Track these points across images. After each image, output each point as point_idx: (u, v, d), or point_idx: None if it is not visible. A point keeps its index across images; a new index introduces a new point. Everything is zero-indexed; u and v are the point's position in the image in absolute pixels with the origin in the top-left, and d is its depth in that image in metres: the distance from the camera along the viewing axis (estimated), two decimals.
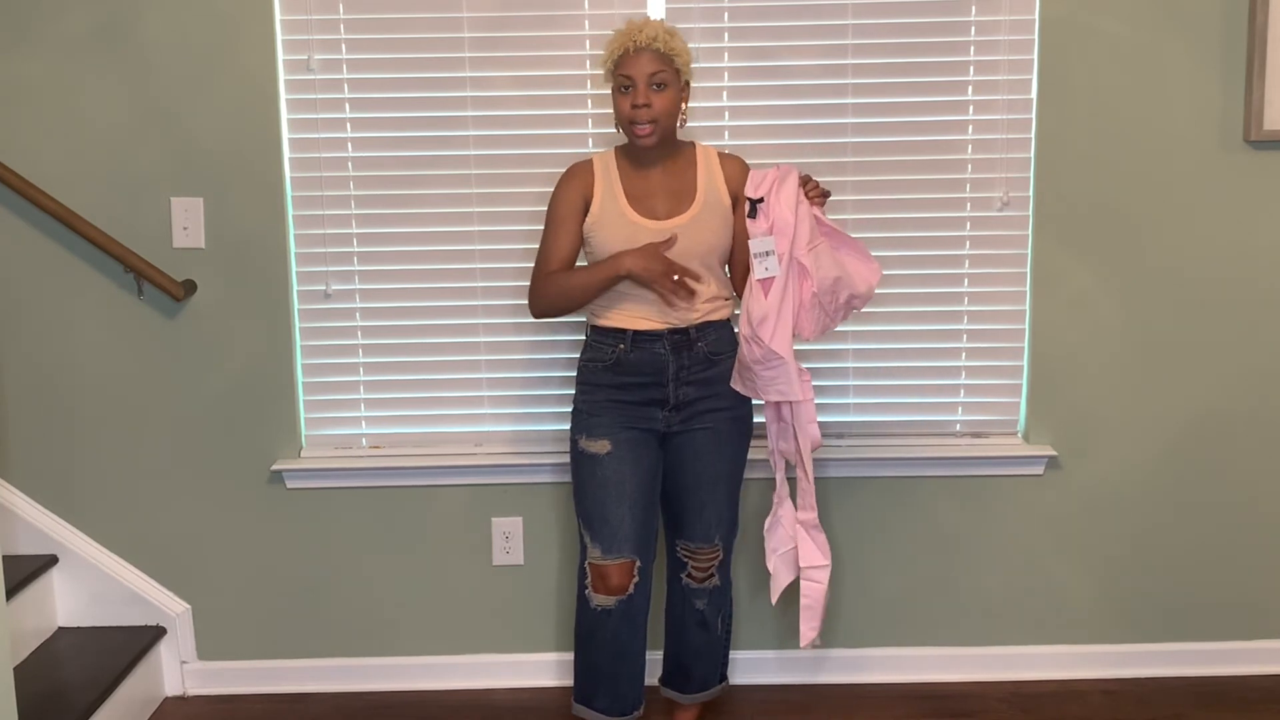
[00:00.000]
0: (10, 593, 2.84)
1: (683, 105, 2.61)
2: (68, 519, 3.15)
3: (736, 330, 2.62)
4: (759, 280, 2.52)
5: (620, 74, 2.55)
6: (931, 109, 3.05)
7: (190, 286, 3.05)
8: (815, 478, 3.12)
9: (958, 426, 3.18)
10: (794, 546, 2.73)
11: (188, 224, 3.05)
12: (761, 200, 2.53)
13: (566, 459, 2.77)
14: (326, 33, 3.03)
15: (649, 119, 2.54)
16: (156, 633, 3.14)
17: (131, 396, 3.11)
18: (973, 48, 3.03)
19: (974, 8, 3.02)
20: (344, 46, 3.03)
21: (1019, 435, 3.17)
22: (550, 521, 3.18)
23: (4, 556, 2.80)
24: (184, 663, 3.19)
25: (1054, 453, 3.12)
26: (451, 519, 3.18)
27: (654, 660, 2.92)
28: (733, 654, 3.07)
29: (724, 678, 2.98)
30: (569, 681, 2.98)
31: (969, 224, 3.09)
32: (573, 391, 2.76)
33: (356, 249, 3.11)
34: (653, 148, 2.60)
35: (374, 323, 3.13)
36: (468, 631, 3.22)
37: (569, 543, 3.16)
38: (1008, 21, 3.01)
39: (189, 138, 3.03)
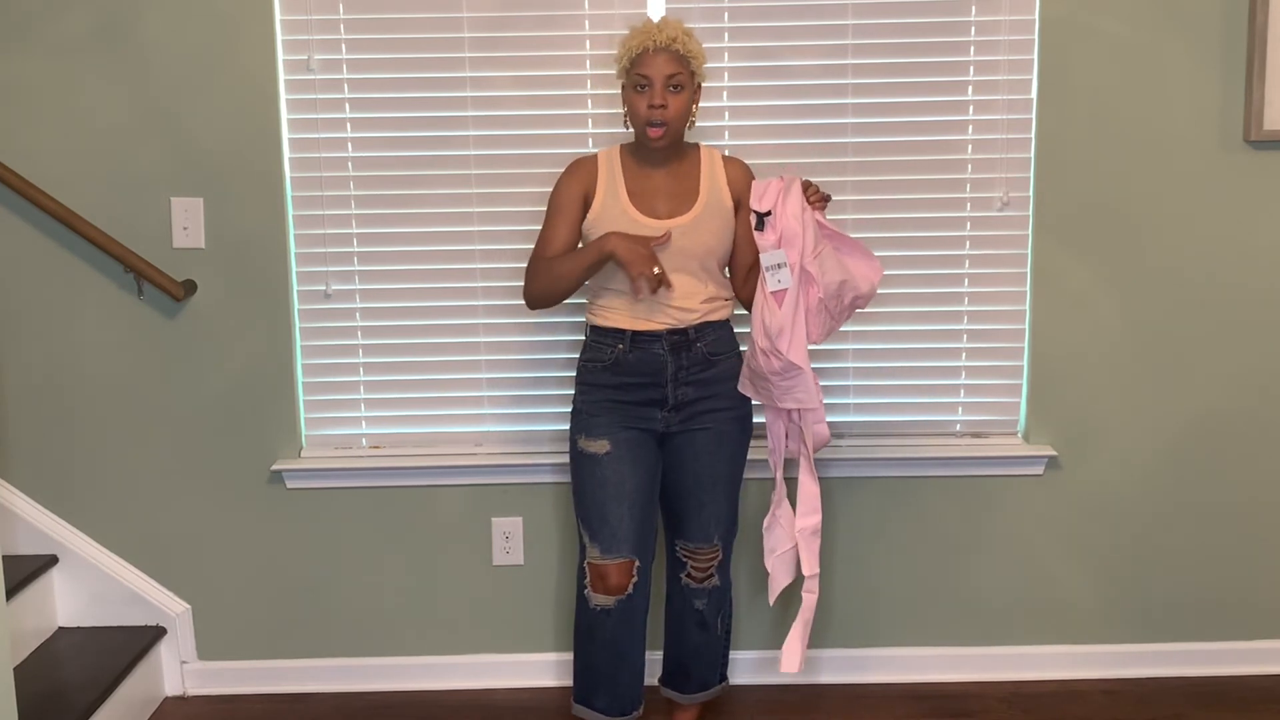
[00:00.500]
0: (10, 593, 2.84)
1: (694, 107, 2.61)
2: (68, 519, 3.15)
3: (743, 333, 2.62)
4: (772, 292, 2.52)
5: (637, 73, 2.54)
6: (931, 109, 3.05)
7: (190, 286, 3.05)
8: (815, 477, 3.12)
9: (958, 426, 3.18)
10: (792, 546, 2.73)
11: (188, 224, 3.05)
12: (769, 213, 2.52)
13: (566, 459, 2.77)
14: (326, 33, 3.03)
15: (664, 120, 2.54)
16: (156, 633, 3.14)
17: (132, 396, 3.11)
18: (973, 48, 3.03)
19: (974, 8, 3.02)
20: (344, 46, 3.03)
21: (1019, 435, 3.17)
22: (550, 521, 3.18)
23: (4, 556, 2.80)
24: (184, 663, 3.19)
25: (1054, 453, 3.12)
26: (451, 519, 3.18)
27: (653, 660, 2.92)
28: (733, 654, 3.07)
29: (724, 678, 2.98)
30: (569, 681, 2.98)
31: (969, 224, 3.09)
32: (572, 391, 2.76)
33: (356, 249, 3.11)
34: (666, 146, 2.60)
35: (374, 323, 3.13)
36: (468, 631, 3.22)
37: (569, 543, 3.17)
38: (1008, 21, 3.01)
39: (189, 138, 3.03)
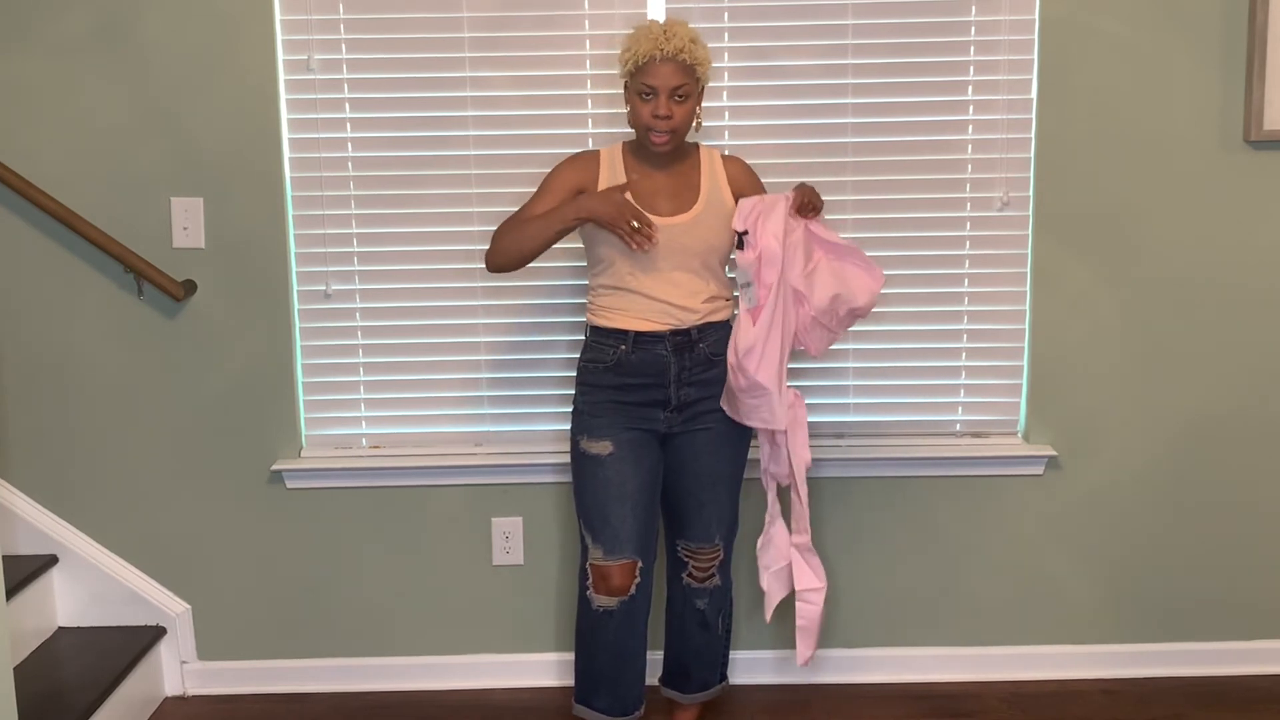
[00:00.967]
0: (10, 593, 2.84)
1: (698, 110, 2.61)
2: (68, 519, 3.15)
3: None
4: (748, 310, 2.52)
5: (643, 81, 2.53)
6: (931, 109, 3.04)
7: (190, 286, 3.05)
8: (815, 478, 3.12)
9: (958, 426, 3.18)
10: (787, 564, 2.73)
11: (188, 224, 3.05)
12: (747, 232, 2.52)
13: (566, 459, 2.77)
14: (326, 33, 3.03)
15: (668, 129, 2.54)
16: (156, 633, 3.14)
17: (132, 396, 3.11)
18: (973, 48, 3.03)
19: (974, 8, 3.02)
20: (344, 46, 3.03)
21: (1019, 435, 3.17)
22: (550, 521, 3.18)
23: (4, 556, 2.80)
24: (184, 663, 3.19)
25: (1054, 453, 3.12)
26: (451, 519, 3.18)
27: (654, 660, 2.92)
28: (733, 654, 3.07)
29: (724, 677, 2.98)
30: (569, 681, 2.98)
31: (969, 224, 3.09)
32: (572, 392, 2.76)
33: (356, 249, 3.11)
34: (670, 151, 2.61)
35: (374, 323, 3.13)
36: (468, 631, 3.22)
37: (569, 543, 3.17)
38: (1008, 21, 3.01)
39: (189, 138, 3.03)
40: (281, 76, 3.03)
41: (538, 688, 3.19)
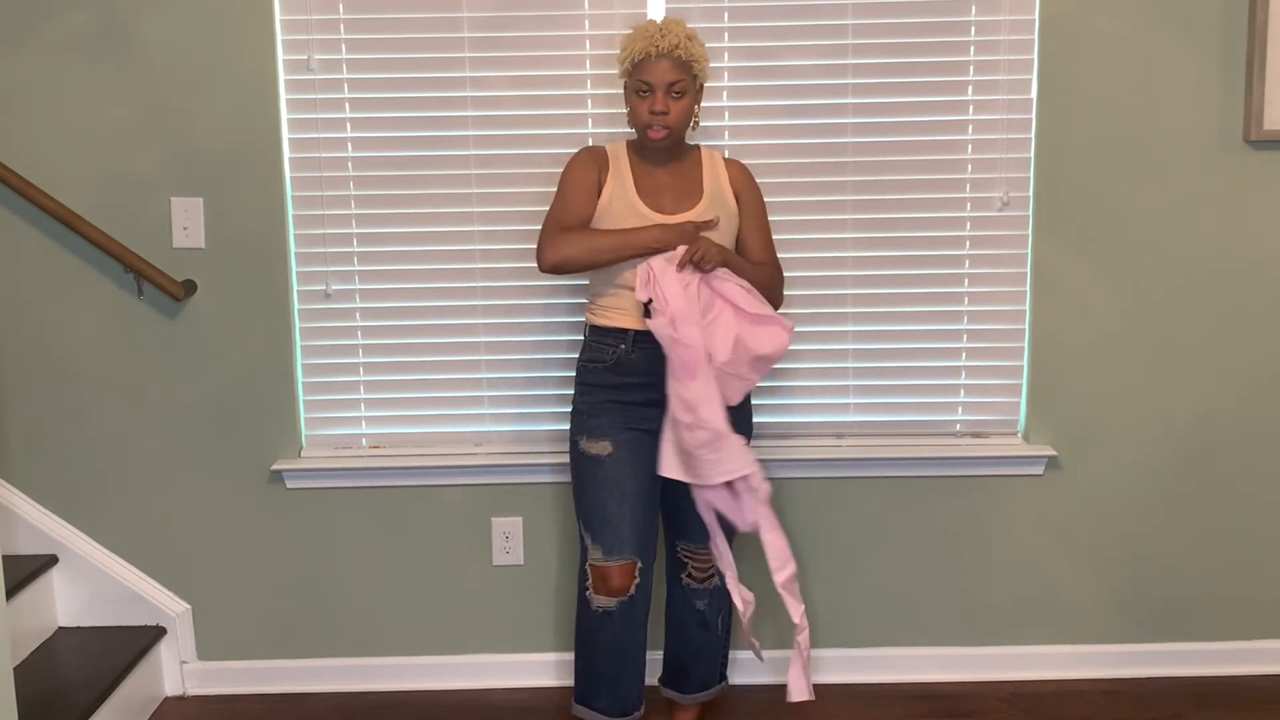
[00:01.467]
0: (10, 593, 2.84)
1: (696, 108, 2.61)
2: (68, 519, 3.15)
3: None
4: (683, 366, 2.48)
5: (639, 78, 2.55)
6: (931, 109, 3.04)
7: (190, 286, 3.05)
8: (815, 478, 3.13)
9: (958, 426, 3.18)
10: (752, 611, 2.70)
11: (188, 224, 3.05)
12: (650, 301, 2.50)
13: (566, 459, 2.77)
14: (326, 33, 3.03)
15: (665, 125, 2.55)
16: (156, 633, 3.14)
17: (132, 396, 3.11)
18: (973, 48, 3.03)
19: (974, 8, 3.02)
20: (344, 46, 3.03)
21: (1019, 435, 3.17)
22: (550, 521, 3.18)
23: (4, 556, 2.80)
24: (184, 663, 3.19)
25: (1054, 453, 3.12)
26: (451, 519, 3.18)
27: (654, 660, 2.93)
28: (733, 654, 3.07)
29: (724, 678, 2.98)
30: (569, 681, 2.99)
31: (969, 224, 3.09)
32: (572, 392, 2.76)
33: (356, 249, 3.11)
34: (669, 147, 2.61)
35: (374, 323, 3.13)
36: (468, 631, 3.22)
37: (569, 543, 3.17)
38: (1008, 21, 3.01)
39: (189, 138, 3.03)
40: (281, 76, 3.03)
41: (537, 688, 3.19)
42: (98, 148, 3.02)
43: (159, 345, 3.09)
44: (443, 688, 3.20)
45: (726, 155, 2.79)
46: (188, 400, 3.11)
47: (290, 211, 3.08)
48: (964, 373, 3.15)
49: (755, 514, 2.58)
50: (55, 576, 3.12)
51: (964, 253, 3.10)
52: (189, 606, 3.19)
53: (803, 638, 2.67)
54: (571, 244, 2.59)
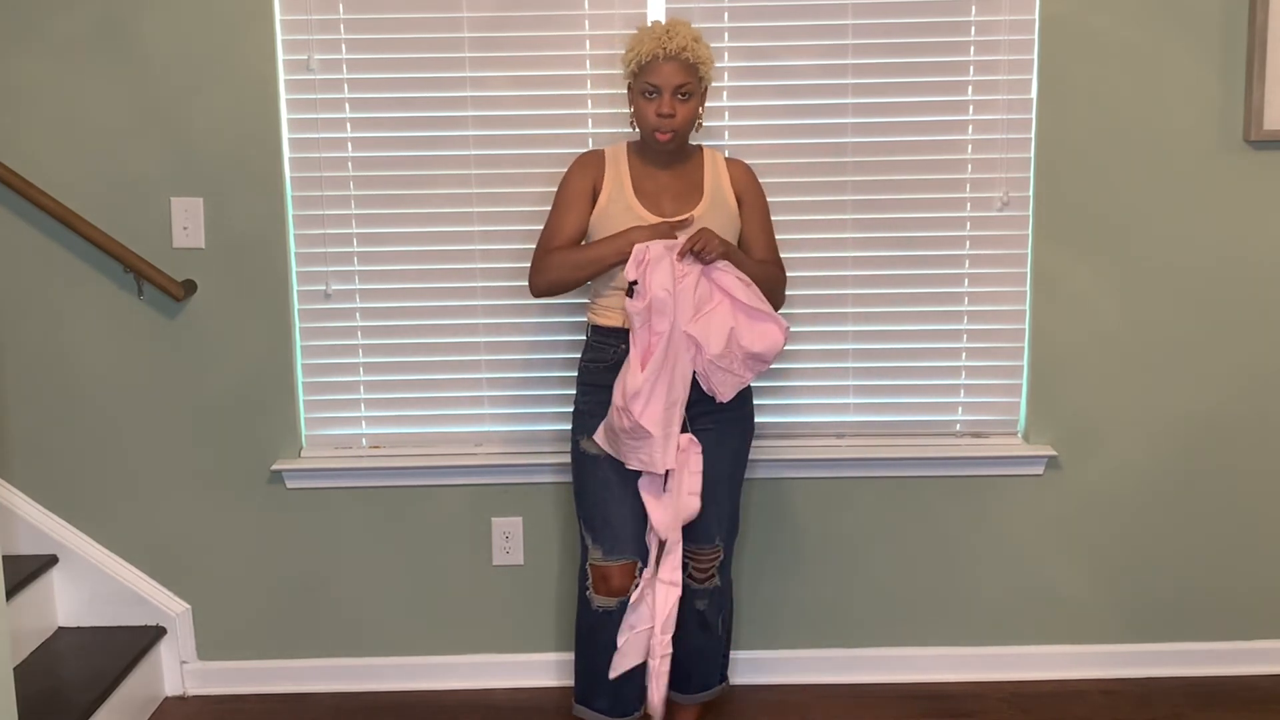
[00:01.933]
0: (10, 593, 2.84)
1: (700, 109, 2.61)
2: (68, 519, 3.15)
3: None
4: (638, 356, 2.50)
5: (646, 81, 2.54)
6: (931, 109, 3.04)
7: (190, 286, 3.05)
8: (815, 478, 3.13)
9: (958, 426, 3.18)
10: (649, 628, 2.66)
11: (188, 224, 3.05)
12: (636, 282, 2.51)
13: (566, 459, 2.77)
14: (326, 33, 3.03)
15: (672, 128, 2.55)
16: (156, 633, 3.14)
17: (132, 396, 3.11)
18: (973, 48, 3.03)
19: (974, 8, 3.02)
20: (344, 46, 3.03)
21: (1019, 435, 3.17)
22: (550, 521, 3.18)
23: (4, 556, 2.80)
24: (184, 663, 3.19)
25: (1054, 453, 3.12)
26: (451, 519, 3.18)
27: None
28: (733, 654, 3.07)
29: (724, 678, 2.98)
30: (569, 681, 2.98)
31: (969, 224, 3.09)
32: (572, 392, 2.76)
33: (356, 249, 3.11)
34: (675, 149, 2.61)
35: (374, 323, 3.13)
36: (468, 631, 3.21)
37: (569, 543, 3.16)
38: (1008, 21, 3.01)
39: (189, 138, 3.02)
40: (281, 76, 3.03)
41: (538, 688, 3.19)
42: (98, 148, 3.02)
43: (159, 345, 3.09)
44: (443, 688, 3.20)
45: (727, 155, 2.79)
46: (188, 400, 3.11)
47: (290, 211, 3.08)
48: (964, 373, 3.15)
49: (669, 518, 2.58)
50: (55, 576, 3.12)
51: (964, 253, 3.10)
52: (189, 606, 3.19)
53: (664, 665, 2.66)
54: (554, 267, 2.63)
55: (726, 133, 3.06)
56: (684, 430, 2.57)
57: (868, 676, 3.20)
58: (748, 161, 2.79)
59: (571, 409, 2.74)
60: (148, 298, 3.06)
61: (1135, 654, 3.20)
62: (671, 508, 2.60)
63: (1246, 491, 3.16)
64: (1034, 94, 3.03)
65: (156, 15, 2.98)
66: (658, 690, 2.69)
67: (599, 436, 2.61)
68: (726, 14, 3.02)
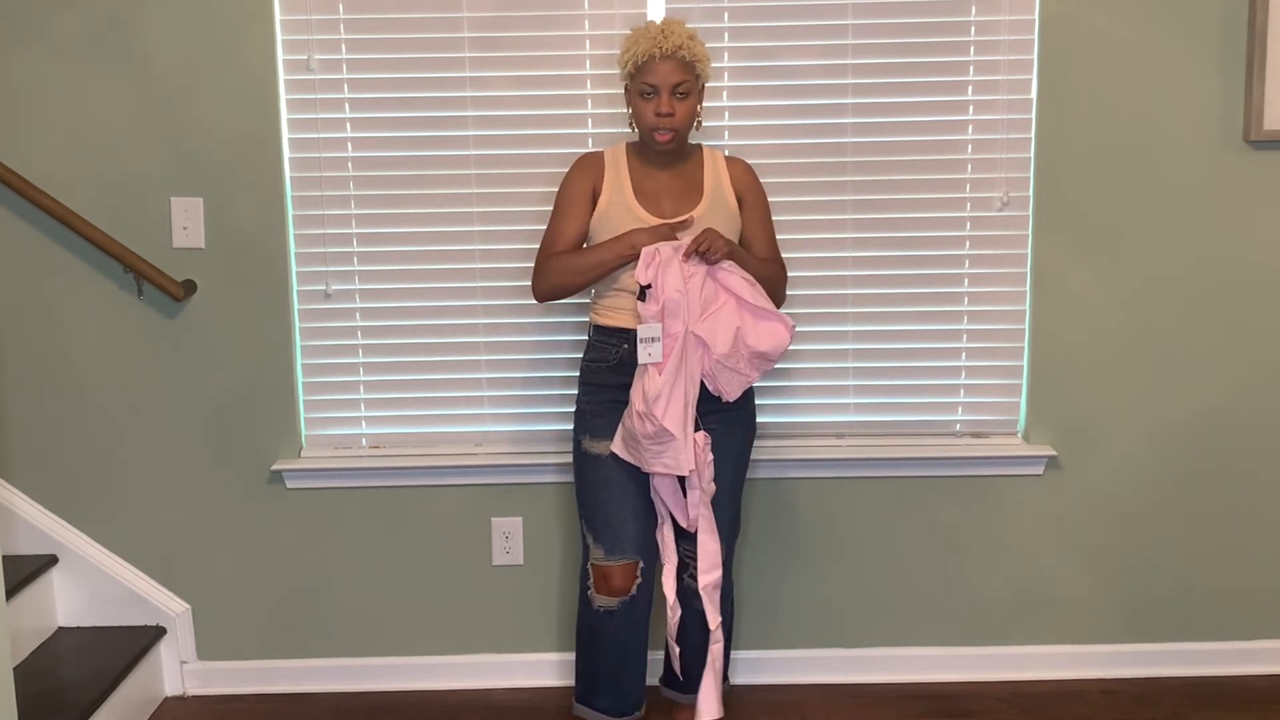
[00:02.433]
0: (10, 593, 2.84)
1: (699, 108, 2.61)
2: (68, 519, 3.14)
3: None
4: (654, 363, 2.50)
5: (644, 80, 2.54)
6: (931, 109, 3.04)
7: (190, 286, 3.05)
8: (815, 478, 3.13)
9: (958, 426, 3.18)
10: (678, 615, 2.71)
11: (188, 224, 3.05)
12: (649, 286, 2.51)
13: (566, 459, 2.77)
14: (326, 33, 3.03)
15: (671, 127, 2.55)
16: (156, 633, 3.14)
17: (131, 396, 3.11)
18: (973, 48, 3.03)
19: (974, 8, 3.02)
20: (344, 46, 3.03)
21: (1019, 435, 3.17)
22: (550, 521, 3.17)
23: (4, 556, 2.80)
24: (184, 663, 3.19)
25: (1054, 453, 3.12)
26: (451, 519, 3.18)
27: (654, 660, 2.92)
28: (733, 654, 3.07)
29: (725, 677, 2.97)
30: (569, 681, 2.98)
31: (969, 224, 3.09)
32: (573, 391, 2.76)
33: (356, 249, 3.11)
34: (674, 149, 2.61)
35: (374, 323, 3.13)
36: (468, 631, 3.21)
37: (569, 543, 3.16)
38: (1008, 21, 3.01)
39: (189, 138, 3.02)
40: (281, 76, 3.03)
41: (538, 688, 3.19)
42: (98, 148, 3.02)
43: (159, 345, 3.09)
44: (443, 688, 3.20)
45: (728, 154, 2.79)
46: (188, 400, 3.11)
47: (290, 211, 3.08)
48: (964, 373, 3.15)
49: (697, 511, 2.61)
50: (55, 576, 3.12)
51: (964, 253, 3.10)
52: (189, 606, 3.19)
53: (716, 649, 2.70)
54: (555, 273, 2.63)
55: (726, 133, 3.06)
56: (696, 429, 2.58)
57: (868, 676, 3.20)
58: (748, 161, 2.79)
59: (573, 409, 2.74)
60: (148, 298, 3.06)
61: (1135, 654, 3.20)
62: (697, 504, 2.61)
63: (1246, 491, 3.16)
64: (1034, 94, 3.03)
65: (156, 15, 2.98)
66: (712, 686, 2.71)
67: (617, 447, 2.61)
68: (726, 14, 3.02)
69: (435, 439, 3.18)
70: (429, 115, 3.06)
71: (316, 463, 3.13)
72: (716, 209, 2.64)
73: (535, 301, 2.73)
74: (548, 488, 3.15)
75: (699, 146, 2.73)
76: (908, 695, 3.13)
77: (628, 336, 2.62)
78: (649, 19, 2.96)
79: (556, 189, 2.71)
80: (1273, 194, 3.04)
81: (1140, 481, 3.16)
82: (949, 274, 3.11)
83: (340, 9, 3.02)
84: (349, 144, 3.07)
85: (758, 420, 2.81)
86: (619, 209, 2.62)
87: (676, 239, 2.55)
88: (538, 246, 2.71)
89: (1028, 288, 3.10)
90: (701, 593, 2.68)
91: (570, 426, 2.75)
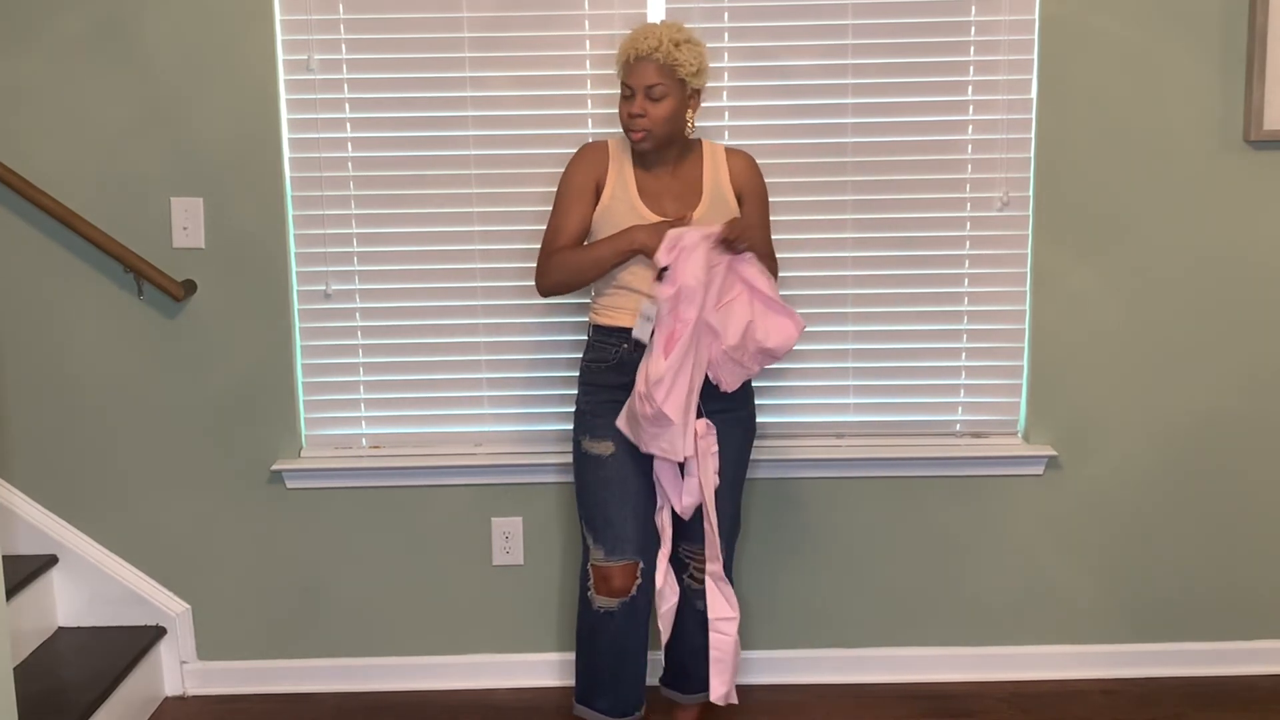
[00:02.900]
0: (10, 593, 2.84)
1: (689, 113, 2.60)
2: (68, 519, 3.15)
3: None
4: (666, 339, 2.49)
5: (623, 81, 2.56)
6: (931, 109, 3.04)
7: (190, 286, 3.05)
8: (815, 478, 3.13)
9: (958, 426, 3.18)
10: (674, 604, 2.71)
11: (188, 224, 3.05)
12: (668, 268, 2.51)
13: (566, 459, 2.77)
14: (326, 33, 3.03)
15: (642, 128, 2.55)
16: (156, 633, 3.14)
17: (131, 396, 3.11)
18: (973, 48, 3.03)
19: (974, 8, 3.02)
20: (344, 46, 3.03)
21: (1019, 435, 3.17)
22: (550, 522, 3.17)
23: (4, 556, 2.80)
24: (184, 663, 3.19)
25: (1054, 453, 3.12)
26: (451, 519, 3.18)
27: (654, 660, 2.92)
28: None
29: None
30: (569, 681, 2.98)
31: (969, 224, 3.09)
32: (573, 391, 2.76)
33: (356, 249, 3.11)
34: (653, 150, 2.60)
35: (374, 323, 3.13)
36: (468, 631, 3.21)
37: (569, 543, 3.16)
38: (1008, 21, 3.01)
39: (189, 138, 3.02)
40: (281, 76, 3.03)
41: (538, 688, 3.19)
42: (98, 148, 3.02)
43: (159, 345, 3.09)
44: (443, 688, 3.20)
45: (730, 147, 2.76)
46: (188, 400, 3.11)
47: (290, 211, 3.08)
48: (964, 373, 3.15)
49: (693, 498, 2.61)
50: (55, 576, 3.12)
51: (964, 253, 3.10)
52: (189, 606, 3.19)
53: (720, 640, 2.70)
54: (557, 269, 2.63)
55: (726, 133, 3.06)
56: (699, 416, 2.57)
57: (868, 676, 3.20)
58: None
59: (573, 409, 2.74)
60: (148, 298, 3.06)
61: (1136, 654, 3.20)
62: (693, 491, 2.61)
63: (1246, 491, 3.16)
64: (1034, 94, 3.03)
65: (157, 15, 2.98)
66: (720, 679, 2.71)
67: (620, 422, 2.61)
68: (726, 14, 3.02)
69: (435, 439, 3.18)
70: (429, 115, 3.06)
71: (316, 463, 3.13)
72: (715, 209, 2.63)
73: (535, 301, 2.73)
74: (548, 488, 3.15)
75: (699, 142, 2.71)
76: (908, 695, 3.13)
77: (627, 336, 2.62)
78: (648, 19, 2.96)
79: (557, 186, 2.70)
80: (1273, 194, 3.04)
81: (1140, 481, 3.16)
82: (949, 274, 3.11)
83: (340, 9, 3.02)
84: (349, 144, 3.07)
85: (758, 420, 2.81)
86: (623, 205, 2.62)
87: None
88: (538, 246, 2.70)
89: (1028, 288, 3.10)
90: (709, 578, 2.68)
91: (570, 426, 2.75)
